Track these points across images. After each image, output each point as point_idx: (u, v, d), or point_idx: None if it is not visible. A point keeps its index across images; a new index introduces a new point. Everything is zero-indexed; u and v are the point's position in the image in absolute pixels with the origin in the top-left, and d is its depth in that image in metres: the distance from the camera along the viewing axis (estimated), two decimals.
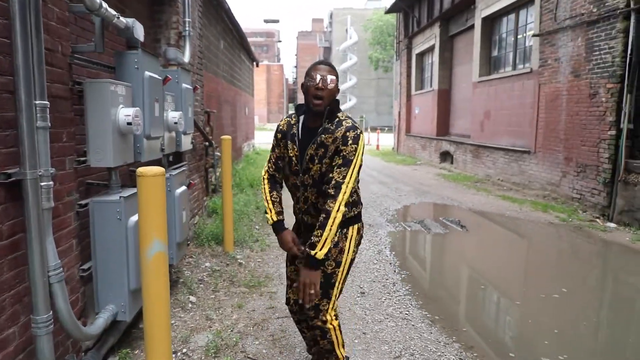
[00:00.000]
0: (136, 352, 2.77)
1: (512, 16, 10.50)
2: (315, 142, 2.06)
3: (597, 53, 7.05)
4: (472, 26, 12.15)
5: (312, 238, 1.99)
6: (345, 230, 2.18)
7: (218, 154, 7.63)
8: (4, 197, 1.83)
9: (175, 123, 3.58)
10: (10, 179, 1.83)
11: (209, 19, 8.41)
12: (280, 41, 65.40)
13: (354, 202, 2.18)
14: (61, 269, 2.03)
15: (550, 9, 8.36)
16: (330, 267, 2.15)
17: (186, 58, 4.46)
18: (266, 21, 72.92)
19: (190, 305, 3.47)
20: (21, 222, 1.93)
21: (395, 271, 4.44)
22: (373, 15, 45.46)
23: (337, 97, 2.11)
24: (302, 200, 2.18)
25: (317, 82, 2.01)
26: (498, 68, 11.24)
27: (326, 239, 1.96)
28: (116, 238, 2.51)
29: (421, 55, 17.15)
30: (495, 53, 11.44)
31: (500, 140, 10.43)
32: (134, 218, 2.55)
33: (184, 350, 2.82)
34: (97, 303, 2.57)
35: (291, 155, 2.14)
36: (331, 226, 1.96)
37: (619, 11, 6.57)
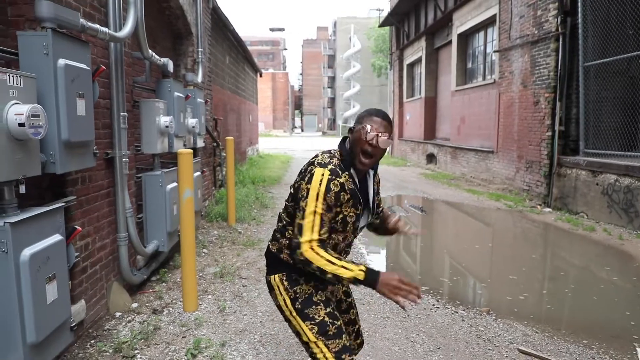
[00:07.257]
0: (170, 274, 4.24)
1: (481, 33, 11.96)
2: (375, 192, 1.98)
3: (538, 68, 8.48)
4: (452, 41, 13.62)
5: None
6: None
7: (224, 154, 9.15)
8: (105, 166, 3.32)
9: (193, 127, 5.07)
10: (108, 156, 3.33)
11: (216, 39, 9.90)
12: (285, 49, 67.28)
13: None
14: (132, 209, 3.52)
15: (505, 29, 9.82)
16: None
17: (199, 79, 5.97)
18: (272, 29, 74.98)
19: (203, 254, 4.95)
20: (112, 181, 3.41)
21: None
22: (375, 24, 47.11)
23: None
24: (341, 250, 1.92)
25: (371, 138, 1.75)
26: (472, 78, 12.70)
27: None
28: (159, 198, 3.99)
29: (411, 66, 18.63)
30: (469, 65, 12.89)
31: (472, 142, 11.86)
32: (170, 185, 4.03)
33: (200, 274, 4.30)
34: (146, 239, 4.05)
35: (357, 212, 1.84)
36: None
37: (551, 34, 8.01)
